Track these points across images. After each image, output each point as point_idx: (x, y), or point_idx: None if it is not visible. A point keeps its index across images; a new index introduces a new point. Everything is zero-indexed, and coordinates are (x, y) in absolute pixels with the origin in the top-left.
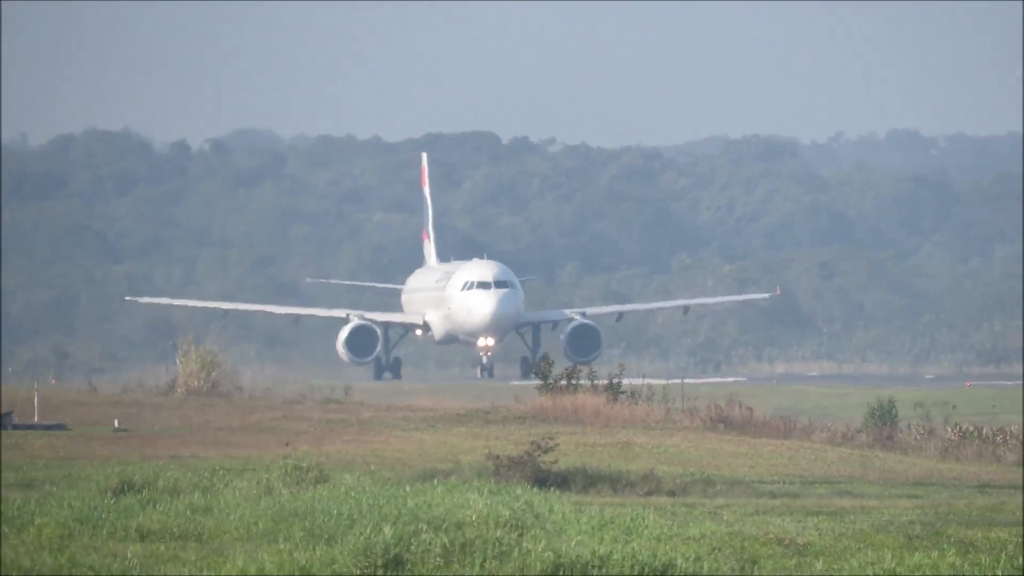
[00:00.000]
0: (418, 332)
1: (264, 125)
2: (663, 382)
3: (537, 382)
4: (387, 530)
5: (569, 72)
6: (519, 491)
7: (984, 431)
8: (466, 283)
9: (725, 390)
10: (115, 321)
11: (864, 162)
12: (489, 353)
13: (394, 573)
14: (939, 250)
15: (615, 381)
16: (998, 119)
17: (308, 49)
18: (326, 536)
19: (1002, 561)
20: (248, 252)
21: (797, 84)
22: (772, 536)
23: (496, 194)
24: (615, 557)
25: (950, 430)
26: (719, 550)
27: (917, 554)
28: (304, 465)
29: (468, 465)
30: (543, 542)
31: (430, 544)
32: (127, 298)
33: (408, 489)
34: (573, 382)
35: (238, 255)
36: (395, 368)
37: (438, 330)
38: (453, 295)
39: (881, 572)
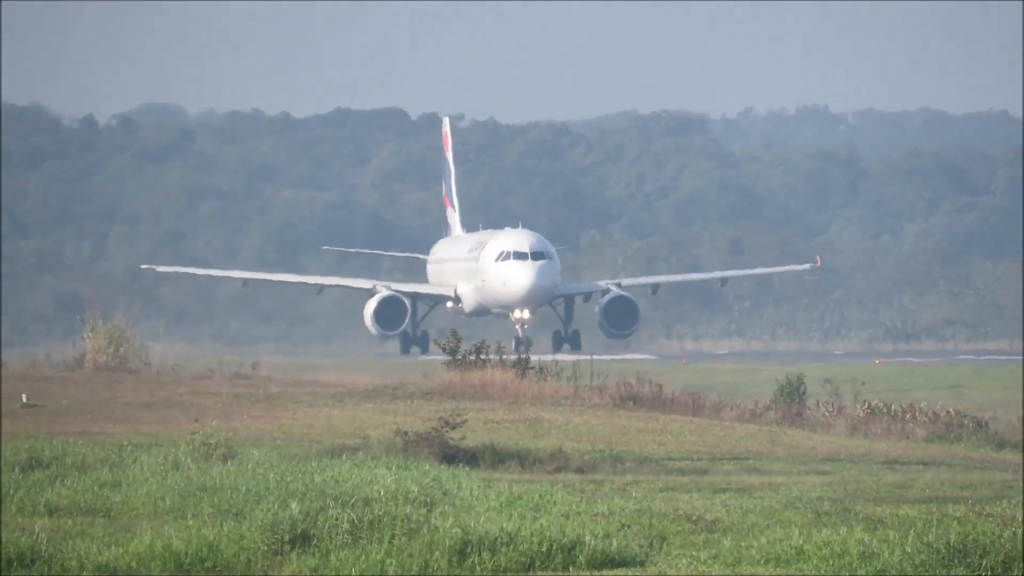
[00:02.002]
0: (448, 304)
1: (172, 100)
2: (572, 358)
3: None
4: (294, 506)
5: (477, 48)
6: (427, 467)
7: (893, 408)
8: (501, 253)
9: (634, 367)
10: (23, 295)
11: (773, 138)
12: (524, 326)
13: (301, 549)
14: (849, 226)
15: (523, 357)
16: (908, 94)
17: (216, 25)
18: (234, 512)
19: (911, 538)
20: (157, 228)
21: (707, 59)
22: (681, 513)
23: (405, 170)
24: (523, 534)
25: (859, 407)
26: (627, 527)
27: (825, 530)
28: (212, 441)
29: (376, 441)
30: (451, 519)
31: (338, 520)
32: (143, 266)
33: (316, 465)
34: (482, 357)
35: (147, 230)
36: (423, 342)
37: (469, 302)
38: (487, 266)
39: (789, 549)
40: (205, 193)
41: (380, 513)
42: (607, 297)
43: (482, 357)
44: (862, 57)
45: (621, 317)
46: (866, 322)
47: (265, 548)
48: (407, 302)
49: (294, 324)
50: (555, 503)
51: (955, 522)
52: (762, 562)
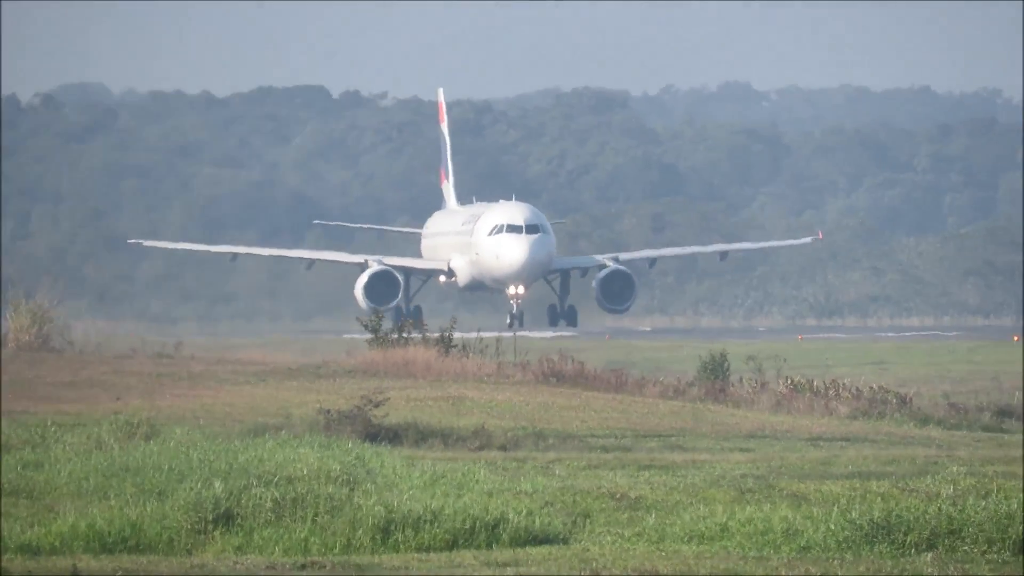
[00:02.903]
0: (441, 279)
1: (95, 79)
2: (495, 335)
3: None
4: (217, 485)
5: (399, 25)
6: (350, 446)
7: (816, 384)
8: (495, 227)
9: (557, 344)
10: None
11: (695, 115)
12: (519, 301)
13: (225, 528)
14: (772, 202)
15: (446, 334)
16: (830, 71)
17: (138, 4)
18: (157, 491)
19: (834, 514)
20: (80, 206)
21: (628, 37)
22: (604, 490)
23: (327, 148)
24: (447, 512)
25: (782, 383)
26: (551, 504)
27: (749, 507)
28: (135, 420)
29: (299, 419)
30: (374, 497)
31: (261, 499)
32: (130, 240)
33: (239, 444)
34: (404, 335)
35: (69, 209)
36: (416, 316)
37: (463, 276)
38: (480, 240)
39: (713, 526)
40: (127, 171)
41: (303, 491)
42: (604, 271)
43: (404, 335)
44: (784, 34)
45: (618, 292)
46: (789, 298)
47: (188, 527)
48: (399, 277)
49: (216, 302)
50: (478, 481)
51: (879, 498)
52: (686, 539)
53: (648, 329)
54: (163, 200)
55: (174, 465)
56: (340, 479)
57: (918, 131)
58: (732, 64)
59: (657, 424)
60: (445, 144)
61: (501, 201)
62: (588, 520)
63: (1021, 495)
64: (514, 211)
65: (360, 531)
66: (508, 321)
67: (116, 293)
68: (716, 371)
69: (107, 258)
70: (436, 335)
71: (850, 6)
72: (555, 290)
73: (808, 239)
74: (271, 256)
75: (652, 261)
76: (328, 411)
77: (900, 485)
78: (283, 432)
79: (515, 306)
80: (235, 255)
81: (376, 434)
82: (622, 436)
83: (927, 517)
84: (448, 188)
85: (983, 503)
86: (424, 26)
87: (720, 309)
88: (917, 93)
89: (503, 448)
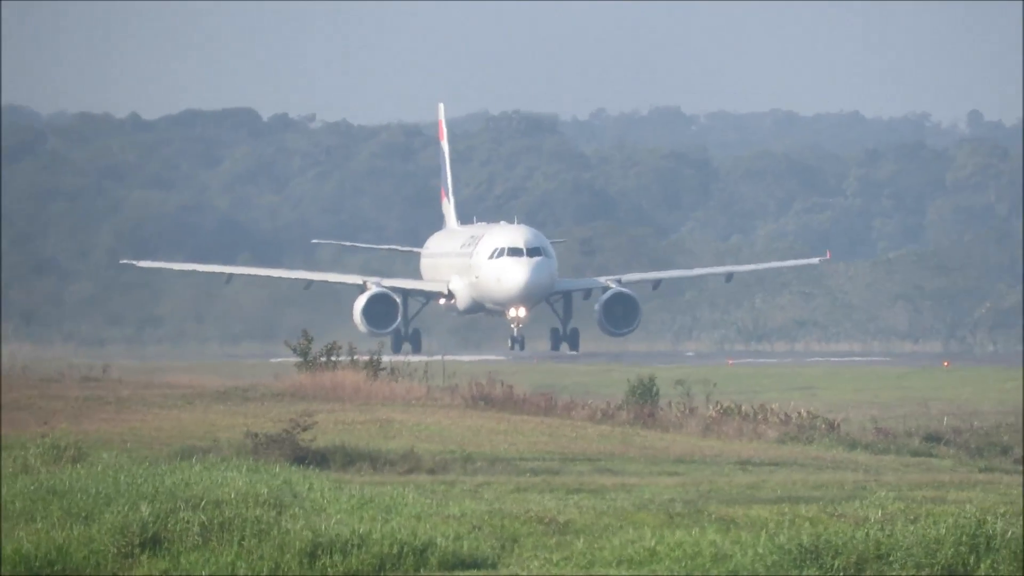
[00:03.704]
0: (441, 301)
1: (23, 102)
2: (424, 359)
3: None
4: (145, 508)
5: (329, 48)
6: (278, 469)
7: (745, 409)
8: (495, 250)
9: (486, 367)
10: None
11: (625, 139)
12: (520, 324)
13: (152, 552)
14: (700, 227)
15: (375, 358)
16: (759, 96)
17: (67, 26)
18: (83, 515)
19: (763, 538)
20: (7, 229)
21: (558, 60)
22: (533, 514)
23: (255, 171)
24: (375, 535)
25: (711, 407)
26: (479, 528)
27: (678, 531)
28: (62, 443)
29: (227, 443)
30: (302, 520)
31: (188, 522)
32: (123, 260)
33: (166, 467)
34: (333, 359)
35: None
36: (415, 340)
37: (463, 299)
38: (481, 262)
39: (642, 550)
40: (55, 194)
41: (230, 515)
42: (607, 294)
43: (333, 359)
44: (713, 59)
45: (621, 315)
46: (718, 322)
47: (115, 551)
48: (398, 299)
49: (144, 326)
50: (406, 504)
51: (807, 522)
52: (615, 563)
53: (576, 353)
54: (91, 223)
55: (101, 489)
56: (267, 503)
57: (847, 155)
58: (662, 89)
59: (586, 448)
60: (445, 162)
61: (502, 223)
62: (517, 544)
63: (949, 520)
64: (515, 233)
65: (287, 555)
66: (509, 345)
67: (43, 316)
68: (645, 395)
69: (34, 281)
70: (365, 358)
71: (778, 31)
72: (557, 313)
73: (816, 260)
74: (198, 281)
75: (656, 283)
76: (256, 434)
77: (828, 509)
78: (210, 455)
79: (516, 329)
80: (229, 276)
81: (304, 458)
82: (551, 460)
83: (855, 541)
84: (448, 207)
85: (911, 528)
86: (353, 49)
87: (648, 334)
88: (846, 117)
89: (431, 472)
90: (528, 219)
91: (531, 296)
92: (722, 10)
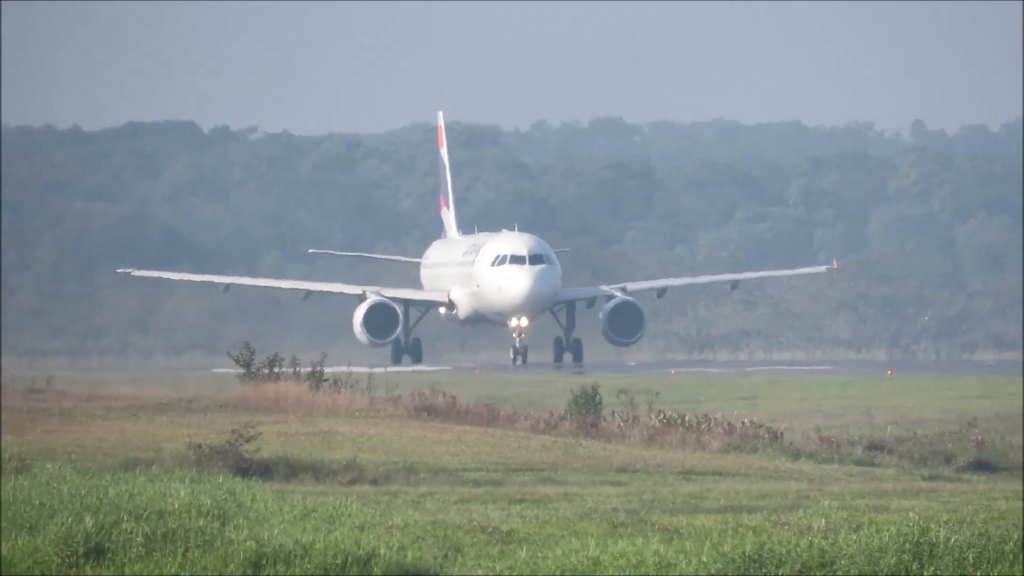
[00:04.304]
0: (441, 311)
1: None
2: (367, 370)
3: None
4: (88, 520)
5: (270, 60)
6: (221, 480)
7: (688, 418)
8: (497, 257)
9: (429, 378)
10: None
11: (567, 149)
12: (522, 335)
13: (96, 562)
14: (643, 236)
15: (317, 369)
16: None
17: (4, 36)
18: (27, 526)
19: (707, 548)
20: None
21: (499, 71)
22: (476, 524)
23: (197, 184)
24: (318, 546)
25: (654, 417)
26: (422, 539)
27: (621, 541)
28: (5, 455)
29: (170, 454)
30: (245, 531)
31: (131, 534)
32: (119, 270)
33: (110, 478)
34: (275, 370)
35: None
36: (415, 350)
37: (464, 309)
38: (482, 271)
39: (585, 559)
40: None
41: (174, 526)
42: (611, 303)
43: (275, 370)
44: (655, 68)
45: (626, 324)
46: (660, 332)
47: (59, 562)
48: (398, 309)
49: (87, 337)
50: (350, 515)
51: (751, 532)
52: (558, 573)
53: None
54: (33, 235)
55: (45, 500)
56: (211, 513)
57: (789, 165)
58: (603, 99)
59: (529, 458)
60: (445, 170)
61: (504, 231)
62: (460, 554)
63: (892, 528)
64: (517, 241)
65: (231, 565)
66: (512, 355)
67: None
68: (588, 405)
69: None
70: (307, 370)
71: (720, 41)
72: (560, 323)
73: (823, 268)
74: (141, 292)
75: (660, 291)
76: (199, 446)
77: (772, 518)
78: (154, 467)
79: (518, 340)
80: (228, 286)
81: (247, 468)
82: (494, 470)
83: (799, 550)
84: (448, 216)
85: (855, 536)
86: (294, 61)
87: (591, 344)
88: (788, 127)
89: (374, 482)
90: (469, 230)
91: (534, 305)
92: (663, 20)
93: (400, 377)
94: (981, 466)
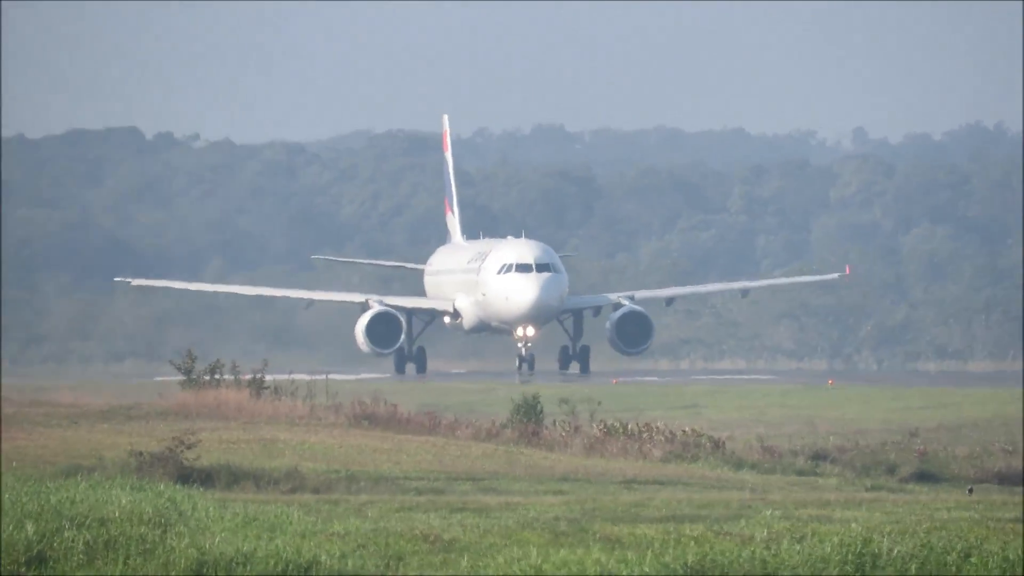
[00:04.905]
0: (446, 319)
1: None
2: (308, 378)
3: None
4: (30, 527)
5: (211, 66)
6: (162, 487)
7: (629, 427)
8: (503, 265)
9: (370, 386)
10: None
11: (509, 157)
12: (529, 344)
13: (37, 570)
14: (585, 244)
15: (258, 376)
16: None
17: None
18: None
19: (648, 557)
20: None
21: (441, 79)
22: (417, 532)
23: (140, 190)
24: (259, 554)
25: (596, 426)
26: (364, 547)
27: (563, 550)
28: None
29: (111, 461)
30: (186, 539)
31: (73, 541)
32: (117, 279)
33: (51, 486)
34: (216, 377)
35: None
36: (419, 359)
37: (469, 317)
38: (488, 279)
39: (527, 568)
40: None
41: (115, 533)
42: (619, 312)
43: (217, 377)
44: (596, 76)
45: (634, 333)
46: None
47: (0, 569)
48: (402, 317)
49: (28, 344)
50: (291, 523)
51: (693, 542)
52: None
53: (461, 371)
54: None
55: None
56: (152, 521)
57: (731, 172)
58: (545, 106)
59: (470, 466)
60: (449, 174)
61: (509, 238)
62: (401, 563)
63: (835, 538)
64: (524, 249)
65: (172, 573)
66: (517, 365)
67: None
68: (529, 414)
69: None
70: (248, 377)
71: (662, 47)
72: (567, 331)
73: (836, 275)
74: (83, 299)
75: (669, 300)
76: (140, 453)
77: (714, 528)
78: (95, 474)
79: (524, 349)
80: (228, 295)
81: (188, 476)
82: (435, 478)
83: (741, 560)
84: (453, 221)
85: (797, 546)
86: (237, 67)
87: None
88: (730, 134)
89: (316, 490)
90: (412, 236)
91: (541, 314)
92: (604, 27)
93: (341, 385)
94: (923, 476)
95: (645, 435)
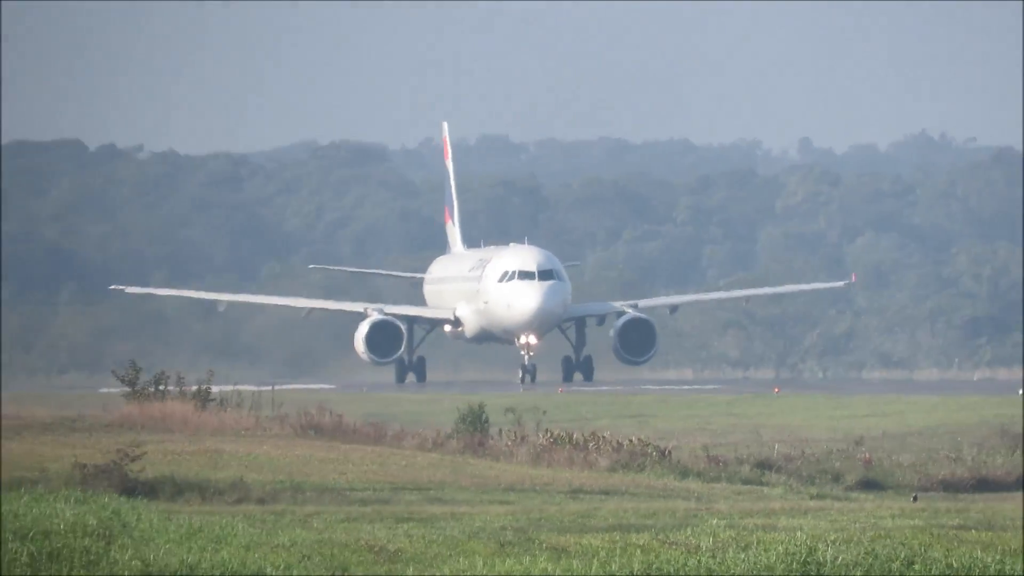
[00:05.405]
0: (447, 328)
1: None
2: (253, 389)
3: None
4: None
5: (155, 77)
6: (107, 500)
7: (576, 437)
8: (505, 273)
9: (316, 397)
10: None
11: (454, 167)
12: (531, 353)
13: None
14: None
15: (203, 388)
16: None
17: None
18: None
19: (595, 567)
20: None
21: (385, 90)
22: (363, 543)
23: (84, 202)
24: (204, 566)
25: (542, 436)
26: (309, 558)
27: (509, 560)
28: None
29: (55, 474)
30: (131, 551)
31: (16, 554)
32: (111, 287)
33: None
34: (161, 389)
35: None
36: (419, 369)
37: (471, 326)
38: (490, 287)
39: None
40: None
41: (59, 546)
42: (622, 320)
43: (161, 389)
44: (540, 86)
45: (638, 341)
46: (547, 352)
47: None
48: (402, 326)
49: None
50: (236, 535)
51: (639, 551)
52: None
53: (408, 382)
54: None
55: None
56: (96, 533)
57: (677, 183)
58: (490, 117)
59: (416, 477)
60: (450, 182)
61: (512, 244)
62: (347, 573)
63: (780, 547)
64: (526, 255)
65: None
66: (520, 374)
67: None
68: (475, 423)
69: None
70: (193, 388)
71: (606, 58)
72: (570, 340)
73: (841, 283)
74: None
75: (673, 308)
76: (84, 465)
77: (660, 538)
78: (39, 486)
79: (527, 358)
80: (224, 304)
81: (133, 488)
82: (380, 489)
83: (687, 569)
84: (453, 229)
85: (743, 555)
86: (180, 78)
87: (478, 362)
88: (676, 145)
89: (261, 501)
90: (357, 248)
91: (543, 322)
92: (549, 38)
93: (286, 396)
94: (869, 484)
95: (591, 445)
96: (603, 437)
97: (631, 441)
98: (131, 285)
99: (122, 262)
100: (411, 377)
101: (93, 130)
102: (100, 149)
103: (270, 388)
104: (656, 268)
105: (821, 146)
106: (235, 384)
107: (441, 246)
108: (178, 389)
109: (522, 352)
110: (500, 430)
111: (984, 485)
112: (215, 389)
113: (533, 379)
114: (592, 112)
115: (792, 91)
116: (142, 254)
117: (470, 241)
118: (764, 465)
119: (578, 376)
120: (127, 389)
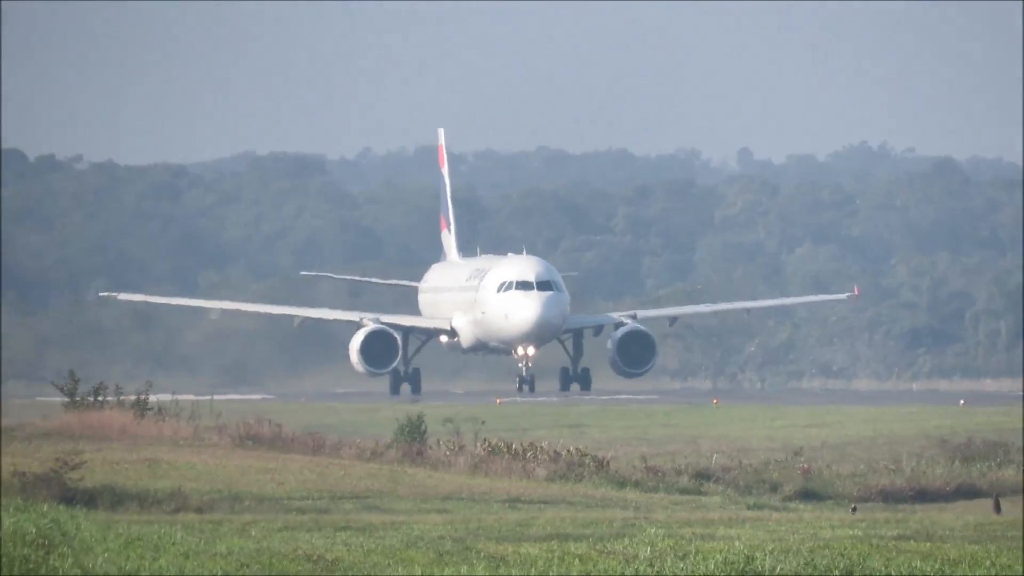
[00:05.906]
0: (443, 338)
1: None
2: (192, 399)
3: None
4: None
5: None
6: (46, 508)
7: (514, 447)
8: (503, 283)
9: (254, 407)
10: None
11: (392, 178)
12: (529, 363)
13: None
14: None
15: (142, 398)
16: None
17: None
18: None
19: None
20: None
21: (323, 100)
22: (301, 552)
23: (22, 212)
24: (143, 574)
25: (480, 446)
26: (247, 567)
27: (447, 569)
28: None
29: None
30: (70, 560)
31: None
32: (101, 294)
33: None
34: (100, 399)
35: None
36: (414, 380)
37: (467, 336)
38: (488, 297)
39: None
40: None
41: None
42: (621, 331)
43: (100, 399)
44: (479, 97)
45: (637, 353)
46: (484, 364)
47: None
48: (397, 336)
49: None
50: (174, 543)
51: (577, 560)
52: None
53: (345, 391)
54: None
55: None
56: (35, 542)
57: (616, 193)
58: (428, 128)
59: (354, 486)
60: (445, 190)
61: (510, 254)
62: None
63: (718, 556)
64: (524, 266)
65: None
66: (517, 385)
67: None
68: (413, 433)
69: None
70: (132, 398)
71: (544, 69)
72: (568, 351)
73: (844, 295)
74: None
75: (672, 319)
76: (23, 474)
77: (598, 547)
78: None
79: (524, 369)
80: (219, 312)
81: (72, 497)
82: (319, 498)
83: None
84: (449, 239)
85: (681, 564)
86: (119, 89)
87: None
88: (615, 155)
89: (199, 510)
90: (296, 258)
91: (541, 333)
92: (487, 48)
93: (224, 405)
94: (807, 495)
95: (530, 454)
96: (541, 447)
97: (569, 451)
98: (65, 297)
99: (59, 273)
100: (406, 387)
101: (33, 140)
102: (39, 159)
103: (209, 398)
104: (595, 278)
105: (760, 157)
106: (174, 394)
107: (436, 254)
108: (117, 399)
109: (520, 363)
110: (438, 440)
111: (923, 496)
112: (153, 398)
113: (532, 389)
114: (531, 122)
115: (731, 101)
116: (81, 264)
117: (410, 254)
118: (702, 475)
119: (574, 387)
120: (66, 399)
